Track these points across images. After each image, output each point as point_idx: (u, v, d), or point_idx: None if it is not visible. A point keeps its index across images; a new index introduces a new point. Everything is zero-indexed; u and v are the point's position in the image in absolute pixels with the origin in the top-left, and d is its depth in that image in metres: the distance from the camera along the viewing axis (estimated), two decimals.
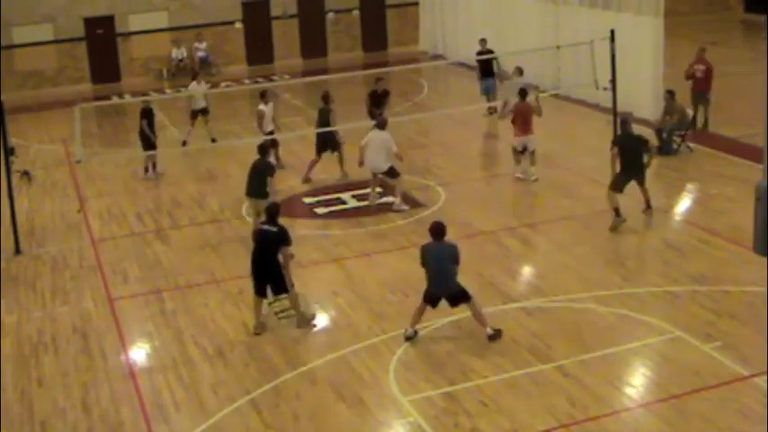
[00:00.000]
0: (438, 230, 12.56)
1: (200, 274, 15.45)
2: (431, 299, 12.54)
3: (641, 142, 16.45)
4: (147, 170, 20.93)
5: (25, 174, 20.49)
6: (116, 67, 32.78)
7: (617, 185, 16.14)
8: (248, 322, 13.50)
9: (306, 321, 13.26)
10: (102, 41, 32.45)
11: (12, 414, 11.46)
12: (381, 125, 17.75)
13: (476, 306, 12.53)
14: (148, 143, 20.47)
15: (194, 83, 23.16)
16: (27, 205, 19.44)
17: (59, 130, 25.68)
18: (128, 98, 28.99)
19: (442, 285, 12.43)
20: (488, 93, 23.93)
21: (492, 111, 23.10)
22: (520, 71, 21.95)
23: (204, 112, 22.99)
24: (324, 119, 19.42)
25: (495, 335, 12.44)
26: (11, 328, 13.87)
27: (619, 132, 16.95)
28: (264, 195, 15.84)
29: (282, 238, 13.00)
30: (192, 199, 19.38)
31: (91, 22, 32.20)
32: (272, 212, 13.32)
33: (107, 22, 32.44)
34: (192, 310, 14.11)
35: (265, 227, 13.18)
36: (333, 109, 19.55)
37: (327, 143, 19.56)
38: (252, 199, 16.30)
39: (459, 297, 12.48)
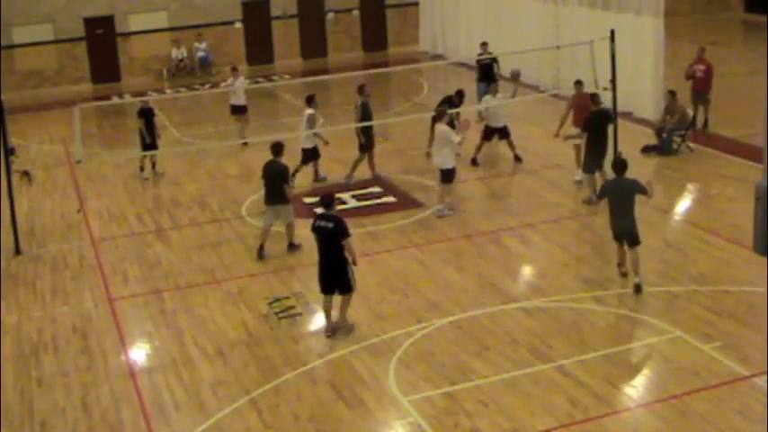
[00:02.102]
0: (619, 165, 13.60)
1: (200, 274, 15.45)
2: (616, 236, 13.69)
3: (606, 116, 17.25)
4: (142, 169, 20.94)
5: (25, 174, 20.49)
6: (116, 67, 32.79)
7: (591, 167, 16.90)
8: (248, 322, 13.51)
9: (347, 328, 12.91)
10: (102, 41, 32.46)
11: (12, 414, 11.47)
12: (439, 116, 17.23)
13: (637, 255, 13.42)
14: (144, 143, 20.47)
15: (231, 78, 22.86)
16: (27, 205, 19.44)
17: (59, 130, 25.69)
18: (128, 98, 28.99)
19: (621, 221, 13.46)
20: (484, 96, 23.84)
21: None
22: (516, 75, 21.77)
23: (245, 109, 22.80)
24: (365, 112, 19.05)
25: (639, 288, 13.41)
26: (11, 328, 13.87)
27: (593, 109, 17.29)
28: (285, 201, 15.54)
29: (341, 232, 12.56)
30: (192, 199, 19.38)
31: (91, 22, 32.21)
32: (327, 203, 12.87)
33: (107, 22, 32.45)
34: (192, 310, 14.10)
35: (322, 223, 12.68)
36: (358, 104, 19.09)
37: (370, 137, 19.23)
38: (271, 206, 15.73)
39: (632, 238, 13.41)
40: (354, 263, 12.82)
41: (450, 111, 20.18)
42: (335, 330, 12.88)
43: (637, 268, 13.51)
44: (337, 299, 12.95)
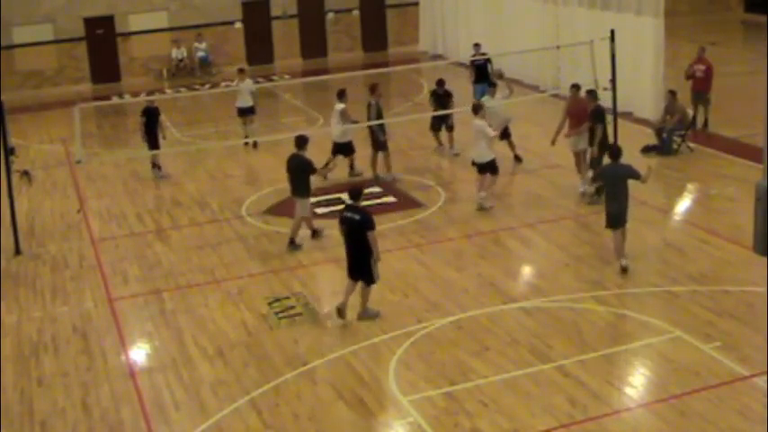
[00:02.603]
0: (615, 152, 14.52)
1: (200, 274, 15.45)
2: (610, 220, 14.26)
3: (599, 115, 17.31)
4: (153, 165, 20.96)
5: (25, 174, 20.48)
6: (116, 67, 32.79)
7: (596, 162, 16.97)
8: (248, 322, 13.51)
9: (371, 315, 13.22)
10: (102, 41, 32.46)
11: (12, 414, 11.47)
12: (475, 110, 17.43)
13: (625, 234, 14.29)
14: (148, 141, 20.49)
15: (237, 80, 22.81)
16: (27, 205, 19.45)
17: (59, 130, 25.68)
18: (128, 98, 29.01)
19: (615, 204, 14.14)
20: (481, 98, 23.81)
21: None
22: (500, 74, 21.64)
23: (251, 111, 22.69)
24: (376, 112, 19.09)
25: (626, 268, 14.19)
26: (11, 328, 13.87)
27: (590, 106, 17.43)
28: (305, 195, 15.90)
29: (365, 225, 12.82)
30: (192, 199, 19.38)
31: (91, 22, 32.21)
32: (355, 195, 13.26)
33: (107, 22, 32.45)
34: (192, 310, 14.11)
35: (348, 214, 13.03)
36: (374, 103, 19.14)
37: (372, 140, 19.33)
38: (295, 198, 16.13)
39: (623, 221, 14.19)
40: (377, 257, 12.98)
41: (447, 111, 20.40)
42: (344, 310, 13.11)
43: (622, 250, 14.39)
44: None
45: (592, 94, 17.47)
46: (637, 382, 11.46)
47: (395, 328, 12.94)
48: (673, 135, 20.21)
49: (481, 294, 13.97)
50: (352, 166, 19.71)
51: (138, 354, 13.04)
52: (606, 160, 15.56)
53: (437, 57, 32.80)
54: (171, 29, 33.02)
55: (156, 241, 17.16)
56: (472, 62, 23.83)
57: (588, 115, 17.35)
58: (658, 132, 20.41)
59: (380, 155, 19.41)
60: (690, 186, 18.94)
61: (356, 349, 12.47)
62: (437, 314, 13.32)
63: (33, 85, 31.80)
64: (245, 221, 17.71)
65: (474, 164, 17.77)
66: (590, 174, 17.77)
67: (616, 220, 14.30)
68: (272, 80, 30.51)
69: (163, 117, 20.89)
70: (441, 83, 21.08)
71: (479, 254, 15.57)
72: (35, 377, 12.36)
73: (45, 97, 30.76)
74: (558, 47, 23.11)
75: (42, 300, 14.86)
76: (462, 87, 24.22)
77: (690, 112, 20.91)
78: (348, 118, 19.13)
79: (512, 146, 20.16)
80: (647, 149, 20.20)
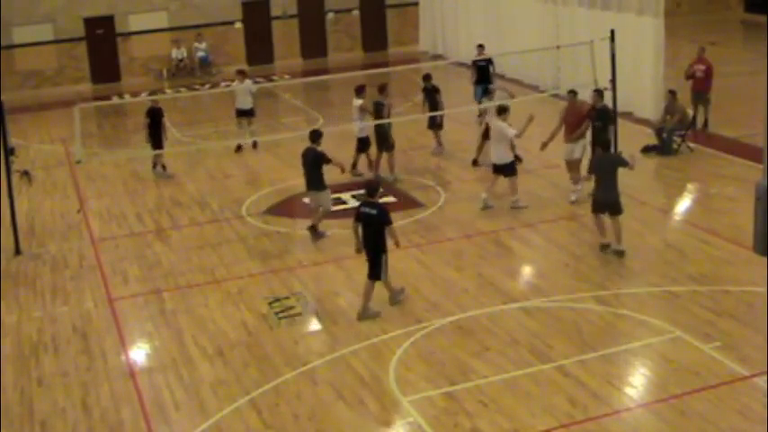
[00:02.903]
0: (605, 143, 15.32)
1: (200, 274, 15.45)
2: (597, 206, 14.83)
3: (607, 115, 17.59)
4: (154, 165, 20.95)
5: (25, 174, 20.49)
6: (116, 67, 32.79)
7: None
8: (248, 322, 13.51)
9: (397, 294, 13.55)
10: (102, 41, 32.46)
11: (12, 414, 11.47)
12: (498, 111, 17.41)
13: (619, 224, 14.70)
14: (151, 142, 20.47)
15: (236, 81, 22.77)
16: (27, 205, 19.44)
17: (59, 130, 25.68)
18: (128, 98, 29.01)
19: (605, 192, 14.71)
20: (482, 99, 23.79)
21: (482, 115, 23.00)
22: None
23: (250, 113, 22.61)
24: (382, 112, 19.20)
25: (622, 252, 14.70)
26: (11, 328, 13.87)
27: (597, 106, 17.51)
28: (321, 187, 16.05)
29: (382, 219, 13.09)
30: (192, 199, 19.38)
31: (91, 22, 32.21)
32: (371, 190, 13.46)
33: (107, 22, 32.45)
34: (191, 310, 14.11)
35: (365, 210, 13.24)
36: (387, 103, 19.29)
37: (382, 140, 19.36)
38: (310, 192, 16.30)
39: (615, 208, 14.69)
40: (397, 245, 13.43)
41: (440, 112, 20.46)
42: (366, 315, 13.24)
43: (620, 237, 14.81)
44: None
45: (598, 93, 17.44)
46: (637, 382, 11.46)
47: (395, 328, 12.94)
48: (673, 135, 20.21)
49: (481, 294, 13.97)
50: (354, 165, 19.72)
51: (138, 354, 13.04)
52: None
53: (437, 57, 32.80)
54: (171, 29, 33.02)
55: (156, 241, 17.16)
56: (474, 62, 23.84)
57: (591, 113, 17.29)
58: (658, 132, 20.41)
59: (384, 155, 19.43)
60: (690, 186, 18.94)
61: (356, 349, 12.47)
62: (437, 314, 13.32)
63: (33, 85, 31.80)
64: (245, 221, 17.71)
65: (475, 163, 17.72)
66: (574, 195, 17.70)
67: (601, 205, 14.77)
68: (272, 80, 30.49)
69: (165, 118, 20.91)
70: (427, 77, 21.21)
71: (479, 254, 15.57)
72: (35, 377, 12.36)
73: (45, 97, 30.76)
74: (557, 47, 23.11)
75: (42, 300, 14.86)
76: (463, 87, 24.23)
77: (690, 112, 20.91)
78: (368, 111, 19.28)
79: (512, 146, 20.12)
80: (647, 149, 20.20)
